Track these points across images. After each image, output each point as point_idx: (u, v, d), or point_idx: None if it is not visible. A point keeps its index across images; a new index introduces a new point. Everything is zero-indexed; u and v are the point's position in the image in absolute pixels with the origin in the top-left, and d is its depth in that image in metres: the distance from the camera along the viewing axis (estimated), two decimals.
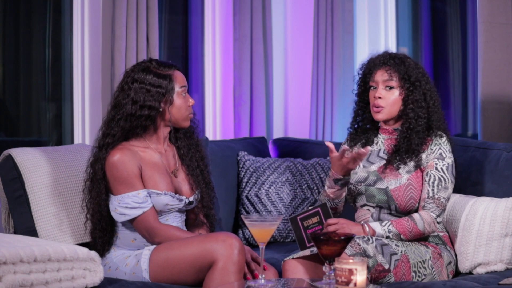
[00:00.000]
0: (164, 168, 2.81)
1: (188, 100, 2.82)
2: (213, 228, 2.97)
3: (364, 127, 3.00)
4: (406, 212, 2.83)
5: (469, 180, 3.12)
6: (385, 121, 2.94)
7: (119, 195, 2.71)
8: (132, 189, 2.70)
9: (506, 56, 3.72)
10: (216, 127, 4.27)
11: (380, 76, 2.87)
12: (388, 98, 2.86)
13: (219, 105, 4.27)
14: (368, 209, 2.89)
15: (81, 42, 3.73)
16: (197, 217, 2.94)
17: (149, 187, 2.74)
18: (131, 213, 2.70)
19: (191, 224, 2.95)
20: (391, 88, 2.86)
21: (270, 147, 4.03)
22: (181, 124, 2.83)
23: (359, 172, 2.92)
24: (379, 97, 2.85)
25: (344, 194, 2.91)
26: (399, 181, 2.82)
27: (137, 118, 2.74)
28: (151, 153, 2.79)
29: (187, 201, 2.83)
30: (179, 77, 2.82)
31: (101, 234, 2.81)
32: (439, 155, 2.83)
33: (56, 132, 3.95)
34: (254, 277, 2.69)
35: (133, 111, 2.74)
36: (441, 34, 5.03)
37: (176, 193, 2.80)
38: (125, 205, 2.70)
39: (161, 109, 2.76)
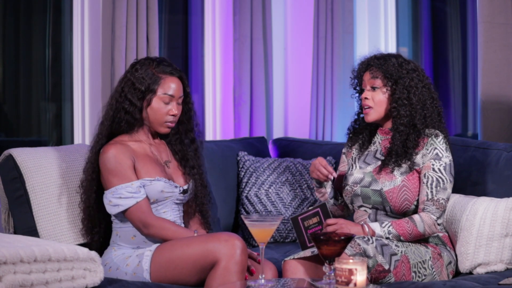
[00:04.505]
0: (156, 158, 2.84)
1: (168, 108, 2.81)
2: (208, 225, 2.98)
3: (361, 126, 3.02)
4: (401, 213, 2.83)
5: (469, 180, 3.11)
6: (380, 122, 2.94)
7: (113, 187, 2.72)
8: (125, 180, 2.73)
9: (506, 56, 3.72)
10: (216, 127, 4.27)
11: (366, 77, 2.90)
12: (374, 98, 2.88)
13: (219, 105, 4.27)
14: (365, 210, 2.90)
15: (81, 42, 3.73)
16: (193, 214, 2.96)
17: (143, 176, 2.76)
18: (125, 203, 2.72)
19: (187, 221, 2.97)
20: (375, 88, 2.88)
21: (270, 147, 4.03)
22: (155, 128, 2.84)
23: (355, 173, 2.92)
24: (366, 98, 2.88)
25: (327, 196, 2.98)
26: (393, 182, 2.82)
27: (121, 109, 2.80)
28: (142, 145, 2.84)
29: (181, 189, 2.84)
30: (169, 83, 2.81)
31: (98, 233, 2.86)
32: (435, 155, 2.82)
33: (56, 132, 3.95)
34: (251, 273, 2.70)
35: (121, 99, 2.80)
36: (441, 34, 5.03)
37: (169, 180, 2.82)
38: (118, 195, 2.72)
39: (139, 106, 2.80)
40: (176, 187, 2.83)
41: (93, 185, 2.82)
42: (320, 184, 2.97)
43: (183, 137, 2.93)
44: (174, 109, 2.81)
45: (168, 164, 2.89)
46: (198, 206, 2.95)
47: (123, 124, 2.81)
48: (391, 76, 2.85)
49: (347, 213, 3.08)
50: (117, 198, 2.72)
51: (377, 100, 2.88)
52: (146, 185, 2.76)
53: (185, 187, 2.88)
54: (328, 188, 3.00)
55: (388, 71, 2.86)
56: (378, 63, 2.88)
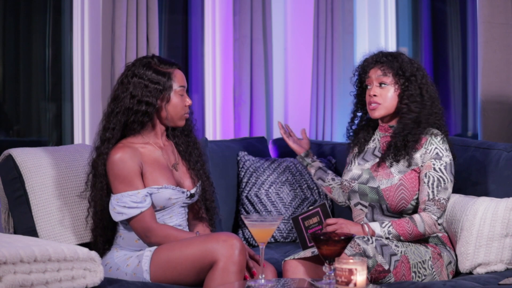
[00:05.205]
0: (164, 163, 2.82)
1: (185, 100, 2.83)
2: (213, 222, 2.98)
3: (361, 124, 3.02)
4: (397, 212, 2.83)
5: (469, 180, 3.11)
6: (382, 119, 2.94)
7: (118, 193, 2.71)
8: (131, 188, 2.71)
9: (506, 56, 3.72)
10: (216, 127, 4.27)
11: (374, 73, 2.88)
12: (383, 95, 2.86)
13: (219, 105, 4.27)
14: (362, 209, 2.90)
15: (81, 42, 3.73)
16: (198, 212, 2.95)
17: (150, 184, 2.74)
18: (129, 213, 2.71)
19: (192, 218, 2.96)
20: (385, 84, 2.86)
21: (270, 147, 4.03)
22: (176, 123, 2.84)
23: (354, 169, 2.93)
24: (374, 95, 2.86)
25: (314, 176, 3.18)
26: (391, 181, 2.82)
27: (134, 113, 2.76)
28: (151, 148, 2.81)
29: (188, 193, 2.84)
30: (178, 76, 2.83)
31: (101, 232, 2.83)
32: (435, 155, 2.82)
33: (56, 132, 3.95)
34: (252, 274, 2.70)
35: (131, 105, 2.76)
36: (441, 34, 5.03)
37: (177, 186, 2.81)
38: (123, 204, 2.70)
39: (157, 106, 2.78)
40: (183, 192, 2.82)
41: (100, 183, 2.77)
42: (303, 161, 3.20)
43: (183, 129, 2.94)
44: (188, 99, 2.84)
45: (176, 167, 2.88)
46: (207, 201, 2.94)
47: (136, 126, 2.79)
48: (404, 73, 2.84)
49: (338, 197, 3.10)
50: (121, 207, 2.71)
51: (387, 97, 2.86)
52: (153, 193, 2.74)
53: (192, 191, 2.87)
54: (313, 170, 3.17)
55: (401, 68, 2.84)
56: (387, 60, 2.86)
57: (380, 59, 2.88)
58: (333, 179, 3.14)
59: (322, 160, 3.65)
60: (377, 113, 2.88)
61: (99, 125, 2.83)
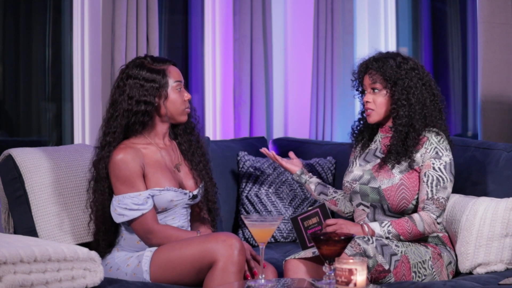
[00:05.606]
0: (167, 164, 2.81)
1: (183, 95, 2.82)
2: (215, 223, 2.98)
3: (364, 125, 3.03)
4: (399, 212, 2.84)
5: (469, 180, 3.11)
6: (382, 121, 2.95)
7: (120, 194, 2.71)
8: (133, 189, 2.70)
9: (506, 56, 3.72)
10: (216, 127, 4.27)
11: (366, 80, 2.92)
12: (376, 101, 2.90)
13: (219, 105, 4.27)
14: (363, 209, 2.90)
15: (81, 42, 3.73)
16: (200, 212, 2.95)
17: (152, 185, 2.74)
18: (130, 214, 2.70)
19: (194, 219, 2.95)
20: (377, 90, 2.89)
21: (270, 147, 4.03)
22: (177, 119, 2.84)
23: (355, 171, 2.94)
24: (367, 101, 2.89)
25: (314, 194, 3.14)
26: (391, 180, 2.83)
27: (134, 114, 2.75)
28: (153, 149, 2.80)
29: (190, 194, 2.83)
30: (173, 72, 2.82)
31: (105, 236, 2.81)
32: (435, 154, 2.82)
33: (56, 132, 3.95)
34: (253, 275, 2.69)
35: (130, 107, 2.75)
36: (441, 34, 5.03)
37: (179, 188, 2.80)
38: (124, 206, 2.70)
39: (156, 104, 2.77)
40: (185, 194, 2.81)
41: (101, 186, 2.76)
42: (300, 178, 3.16)
43: (186, 127, 2.93)
44: (186, 93, 2.84)
45: (179, 167, 2.87)
46: (209, 202, 2.94)
47: (137, 127, 2.78)
48: (390, 78, 2.86)
49: (345, 208, 3.09)
50: (122, 208, 2.70)
51: (378, 103, 2.89)
52: (155, 195, 2.74)
53: (195, 192, 2.86)
54: (312, 185, 3.13)
55: (386, 74, 2.86)
56: (376, 66, 2.88)
57: (370, 65, 2.91)
58: (335, 191, 3.14)
59: (322, 160, 3.66)
60: (371, 119, 2.92)
61: (99, 131, 2.82)
